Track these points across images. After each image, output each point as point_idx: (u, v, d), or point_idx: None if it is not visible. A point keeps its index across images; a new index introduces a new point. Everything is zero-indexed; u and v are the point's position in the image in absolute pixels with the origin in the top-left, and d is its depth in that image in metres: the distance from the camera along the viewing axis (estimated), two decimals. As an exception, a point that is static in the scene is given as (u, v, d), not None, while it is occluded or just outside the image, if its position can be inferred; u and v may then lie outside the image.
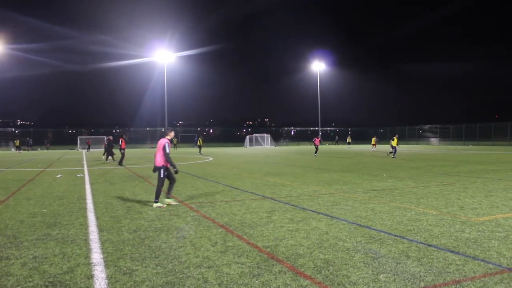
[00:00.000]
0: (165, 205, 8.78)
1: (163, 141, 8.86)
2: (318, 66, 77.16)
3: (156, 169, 8.93)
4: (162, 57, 63.39)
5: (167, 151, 8.80)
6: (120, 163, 22.33)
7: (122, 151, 23.02)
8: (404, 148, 47.83)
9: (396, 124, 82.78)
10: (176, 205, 8.91)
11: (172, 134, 9.23)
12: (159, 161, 8.85)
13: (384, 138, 70.26)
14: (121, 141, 23.07)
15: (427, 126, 74.51)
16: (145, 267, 4.66)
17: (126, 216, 7.72)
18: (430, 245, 5.43)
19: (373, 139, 44.58)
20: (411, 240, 5.71)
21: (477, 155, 30.18)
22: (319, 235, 6.10)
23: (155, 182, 9.81)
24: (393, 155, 27.13)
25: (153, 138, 69.62)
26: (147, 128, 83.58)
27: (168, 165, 8.96)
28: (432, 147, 52.77)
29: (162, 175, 8.89)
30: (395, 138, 27.62)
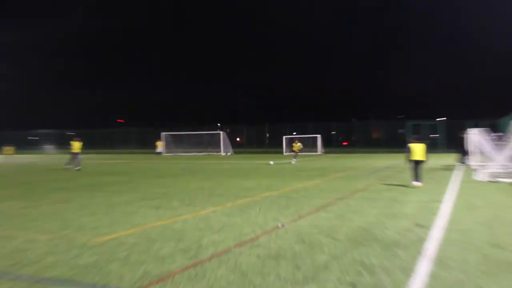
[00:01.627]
0: None
1: None
2: None
3: None
4: None
5: None
6: None
7: None
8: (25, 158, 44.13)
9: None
10: None
11: None
12: None
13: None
14: None
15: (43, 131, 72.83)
16: None
17: None
18: (41, 279, 4.65)
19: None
20: (17, 277, 4.75)
21: (104, 165, 30.00)
22: None
23: None
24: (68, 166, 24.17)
25: None
26: None
27: None
28: (48, 156, 46.43)
29: None
30: (75, 143, 24.95)
